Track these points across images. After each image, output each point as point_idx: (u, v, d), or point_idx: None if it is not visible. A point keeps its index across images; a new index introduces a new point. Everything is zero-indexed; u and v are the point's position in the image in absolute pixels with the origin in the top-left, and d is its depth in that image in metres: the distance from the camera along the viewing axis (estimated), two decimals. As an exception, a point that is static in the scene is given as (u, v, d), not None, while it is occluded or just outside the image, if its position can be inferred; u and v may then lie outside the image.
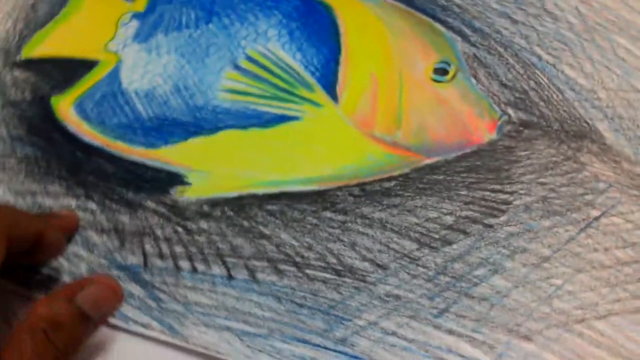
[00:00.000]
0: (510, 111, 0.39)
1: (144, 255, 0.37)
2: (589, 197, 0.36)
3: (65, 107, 0.42)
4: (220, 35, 0.43)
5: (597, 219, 0.35)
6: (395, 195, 0.37)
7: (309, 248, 0.36)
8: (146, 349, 0.34)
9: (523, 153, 0.38)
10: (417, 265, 0.35)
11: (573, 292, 0.34)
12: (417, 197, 0.37)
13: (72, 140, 0.41)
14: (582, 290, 0.34)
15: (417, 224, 0.36)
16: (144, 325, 0.34)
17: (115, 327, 0.34)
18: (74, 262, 0.36)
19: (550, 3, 0.41)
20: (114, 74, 0.43)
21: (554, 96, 0.39)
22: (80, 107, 0.42)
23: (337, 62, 0.41)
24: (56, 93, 0.42)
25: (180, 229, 0.37)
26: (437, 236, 0.36)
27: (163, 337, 0.34)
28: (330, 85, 0.41)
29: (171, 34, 0.43)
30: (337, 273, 0.35)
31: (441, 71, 0.40)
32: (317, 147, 0.39)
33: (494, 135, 0.38)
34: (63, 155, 0.40)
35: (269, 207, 0.37)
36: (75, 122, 0.41)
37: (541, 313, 0.33)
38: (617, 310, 0.33)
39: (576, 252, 0.35)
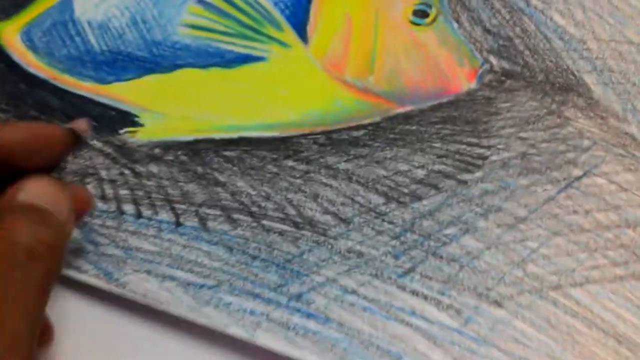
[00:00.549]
0: (492, 59, 0.37)
1: (85, 197, 0.33)
2: (571, 155, 0.34)
3: (10, 34, 0.38)
4: (183, -37, 0.39)
5: (578, 178, 0.33)
6: (363, 145, 0.35)
7: (267, 198, 0.33)
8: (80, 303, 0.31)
9: (503, 105, 0.35)
10: (383, 220, 0.32)
11: (548, 257, 0.31)
12: (387, 148, 0.34)
13: (16, 70, 0.38)
14: (559, 255, 0.31)
15: (385, 177, 0.34)
16: (77, 269, 0.31)
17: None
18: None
19: (542, -55, 0.39)
20: (67, 2, 0.39)
21: (541, 45, 0.36)
22: (27, 36, 0.38)
23: (309, 0, 0.38)
24: (2, 18, 0.39)
25: (127, 172, 0.34)
26: (406, 190, 0.33)
27: (98, 283, 0.31)
28: (300, 24, 0.38)
29: (129, -40, 0.40)
30: (296, 225, 0.32)
31: (421, 13, 0.37)
32: (282, 90, 0.36)
33: (473, 85, 0.36)
34: (4, 86, 0.37)
35: (226, 153, 0.35)
36: (20, 52, 0.38)
37: (514, 277, 0.31)
38: (595, 277, 0.31)
39: (554, 214, 0.32)
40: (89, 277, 0.31)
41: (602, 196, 0.33)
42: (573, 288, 0.31)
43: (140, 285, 0.31)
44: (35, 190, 0.24)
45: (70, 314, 0.31)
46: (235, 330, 0.29)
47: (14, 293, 0.20)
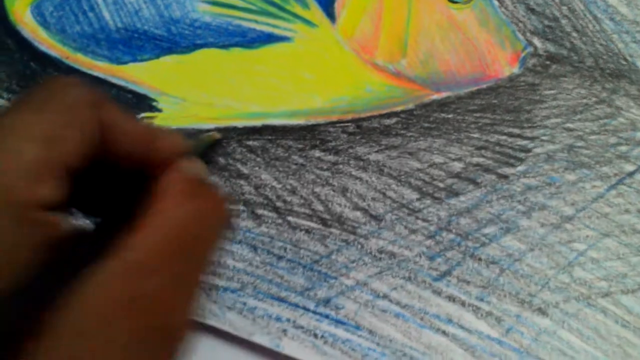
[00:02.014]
0: (536, 42, 0.34)
1: (100, 190, 0.32)
2: (622, 149, 0.32)
3: (21, 8, 0.37)
4: None
5: (631, 174, 0.31)
6: (395, 135, 0.32)
7: (293, 192, 0.31)
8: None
9: (548, 92, 0.33)
10: (417, 218, 0.30)
11: (597, 260, 0.30)
12: (421, 138, 0.32)
13: (27, 48, 0.36)
14: (609, 258, 0.30)
15: (419, 170, 0.32)
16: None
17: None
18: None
19: None
20: (79, -25, 0.37)
21: (590, 26, 0.34)
22: (38, 10, 0.37)
23: (337, -26, 0.36)
24: (11, -7, 0.37)
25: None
26: (442, 185, 0.31)
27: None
28: (327, 1, 0.36)
29: None
30: (324, 222, 0.30)
31: (459, -10, 0.35)
32: (308, 74, 0.34)
33: (515, 70, 0.34)
34: (15, 65, 0.35)
35: (250, 142, 0.33)
36: (31, 27, 0.36)
37: (559, 283, 0.29)
38: None
39: (604, 213, 0.31)
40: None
41: (655, 194, 0.31)
42: (624, 295, 0.29)
43: (158, 288, 0.29)
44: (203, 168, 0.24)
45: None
46: (260, 339, 0.28)
47: (209, 254, 0.21)
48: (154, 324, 0.18)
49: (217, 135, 0.32)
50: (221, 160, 0.32)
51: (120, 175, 0.22)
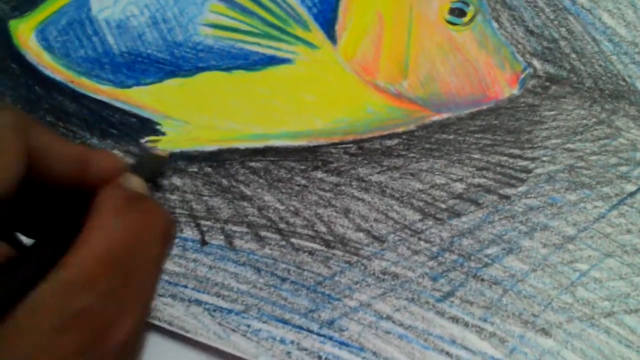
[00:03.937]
0: (535, 63, 0.34)
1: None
2: (623, 169, 0.32)
3: (25, 33, 0.37)
4: (204, -40, 0.37)
5: (632, 194, 0.31)
6: (397, 156, 0.32)
7: (296, 213, 0.31)
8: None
9: (548, 113, 0.33)
10: (420, 239, 0.30)
11: (600, 280, 0.30)
12: (423, 158, 0.32)
13: (31, 72, 0.36)
14: (611, 278, 0.30)
15: (421, 191, 0.32)
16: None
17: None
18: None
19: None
20: (83, -1, 0.38)
21: (589, 47, 0.34)
22: (42, 35, 0.37)
23: (337, -3, 0.36)
24: (16, 15, 0.37)
25: (150, 184, 0.32)
26: (444, 206, 0.31)
27: (121, 312, 0.29)
28: (328, 23, 0.36)
29: (147, -44, 0.38)
30: (327, 244, 0.30)
31: (458, 12, 0.35)
32: (309, 95, 0.34)
33: (515, 91, 0.34)
34: (19, 89, 0.36)
35: (252, 164, 0.33)
36: (35, 52, 0.37)
37: (562, 303, 0.29)
38: None
39: (606, 233, 0.30)
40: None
41: (656, 213, 0.31)
42: (627, 315, 0.29)
43: (164, 311, 0.29)
44: (140, 184, 0.24)
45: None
46: (265, 361, 0.28)
47: (149, 267, 0.21)
48: (93, 339, 0.18)
49: (164, 154, 0.32)
50: (224, 182, 0.32)
51: (59, 195, 0.22)
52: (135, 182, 0.23)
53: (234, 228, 0.31)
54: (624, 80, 0.33)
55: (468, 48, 0.35)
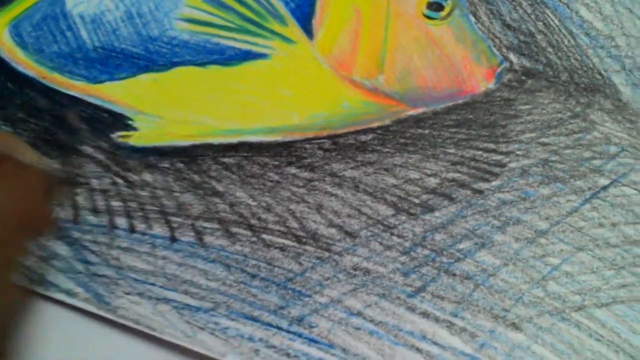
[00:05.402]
0: (512, 57, 0.34)
1: (75, 208, 0.31)
2: (597, 162, 0.32)
3: (-2, 29, 0.36)
4: (179, -46, 0.37)
5: (605, 188, 0.31)
6: (371, 151, 0.32)
7: (268, 209, 0.31)
8: (72, 322, 0.29)
9: (524, 107, 0.33)
10: (392, 234, 0.30)
11: (571, 274, 0.29)
12: (397, 154, 0.32)
13: (4, 68, 0.36)
14: (583, 272, 0.29)
15: (395, 186, 0.31)
16: (67, 292, 0.29)
17: (34, 294, 0.29)
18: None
19: None
20: (58, -6, 0.37)
21: (565, 41, 0.34)
22: (16, 31, 0.36)
23: (314, -8, 0.36)
24: (-12, 12, 0.37)
25: (120, 181, 0.32)
26: (417, 201, 0.31)
27: (89, 307, 0.29)
28: (305, 18, 0.36)
29: (122, -50, 0.37)
30: (298, 240, 0.30)
31: (435, 6, 0.35)
32: (285, 91, 0.34)
33: (491, 85, 0.34)
34: (-9, 87, 0.35)
35: (225, 159, 0.32)
36: (8, 48, 0.36)
37: (533, 297, 0.29)
38: (622, 297, 0.29)
39: (578, 227, 0.30)
40: (79, 301, 0.29)
41: (630, 208, 0.31)
42: (598, 309, 0.29)
43: (131, 309, 0.29)
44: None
45: (59, 328, 0.29)
46: (233, 359, 0.27)
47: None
48: None
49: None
50: (196, 177, 0.32)
51: None
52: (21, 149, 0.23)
53: (205, 224, 0.31)
54: (600, 73, 0.33)
55: (445, 42, 0.34)
